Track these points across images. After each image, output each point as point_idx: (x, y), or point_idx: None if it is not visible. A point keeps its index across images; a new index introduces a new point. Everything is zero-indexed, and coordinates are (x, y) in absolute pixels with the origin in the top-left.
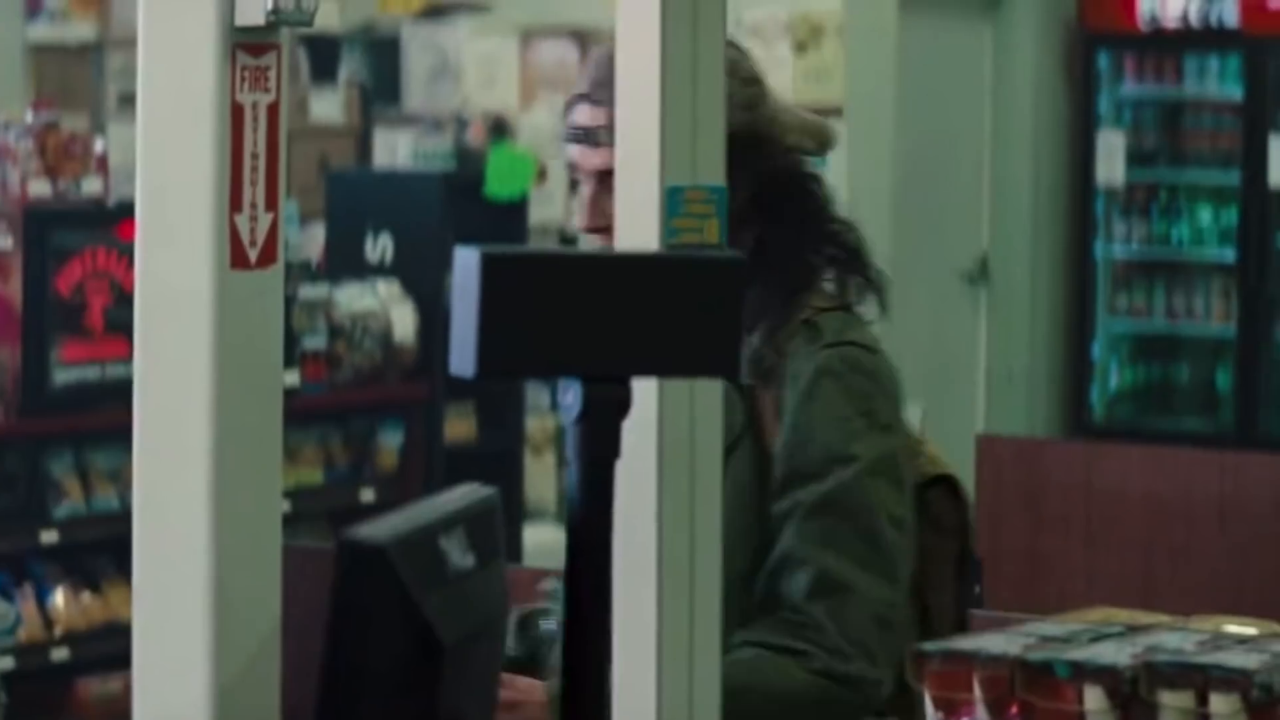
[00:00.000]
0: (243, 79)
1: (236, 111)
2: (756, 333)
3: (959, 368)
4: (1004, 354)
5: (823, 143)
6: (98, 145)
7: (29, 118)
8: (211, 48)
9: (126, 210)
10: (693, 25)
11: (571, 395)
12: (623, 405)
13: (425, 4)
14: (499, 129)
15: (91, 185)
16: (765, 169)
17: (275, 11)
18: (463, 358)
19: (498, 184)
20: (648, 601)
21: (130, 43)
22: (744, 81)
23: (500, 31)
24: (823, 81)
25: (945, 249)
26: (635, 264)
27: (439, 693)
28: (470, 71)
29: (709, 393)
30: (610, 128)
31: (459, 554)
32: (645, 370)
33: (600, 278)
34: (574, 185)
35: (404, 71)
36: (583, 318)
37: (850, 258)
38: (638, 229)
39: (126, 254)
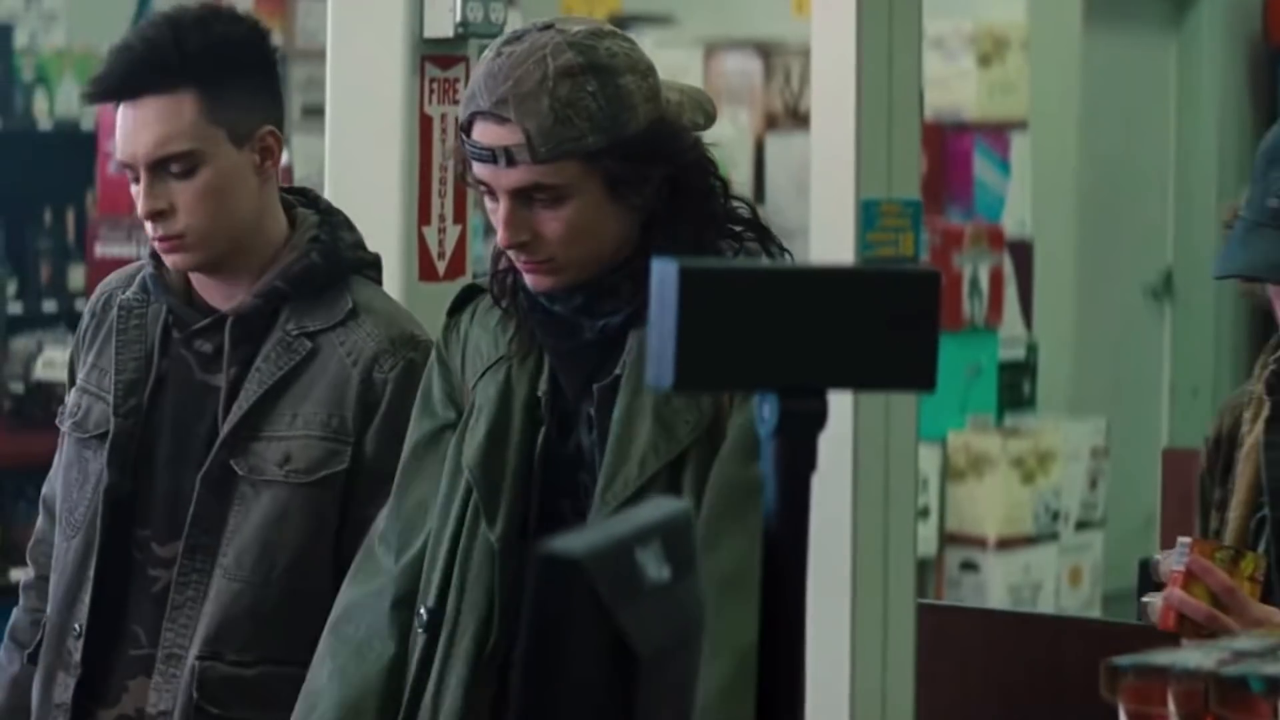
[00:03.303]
0: (431, 91)
1: (425, 124)
2: None
3: (1143, 382)
4: (1188, 368)
5: (710, 113)
6: (282, 156)
7: None
8: (400, 60)
9: None
10: (888, 39)
11: (768, 408)
12: (819, 418)
13: (609, 16)
14: None
15: None
16: (676, 157)
17: (464, 24)
18: (661, 369)
19: None
20: (842, 614)
21: (315, 54)
22: (643, 74)
23: (683, 44)
24: (1007, 95)
25: (1129, 263)
26: (831, 277)
27: (636, 705)
28: None
29: (904, 406)
30: (524, 144)
31: (655, 566)
32: (842, 383)
33: (797, 291)
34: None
35: None
36: (779, 330)
37: (758, 236)
38: (833, 242)
39: None
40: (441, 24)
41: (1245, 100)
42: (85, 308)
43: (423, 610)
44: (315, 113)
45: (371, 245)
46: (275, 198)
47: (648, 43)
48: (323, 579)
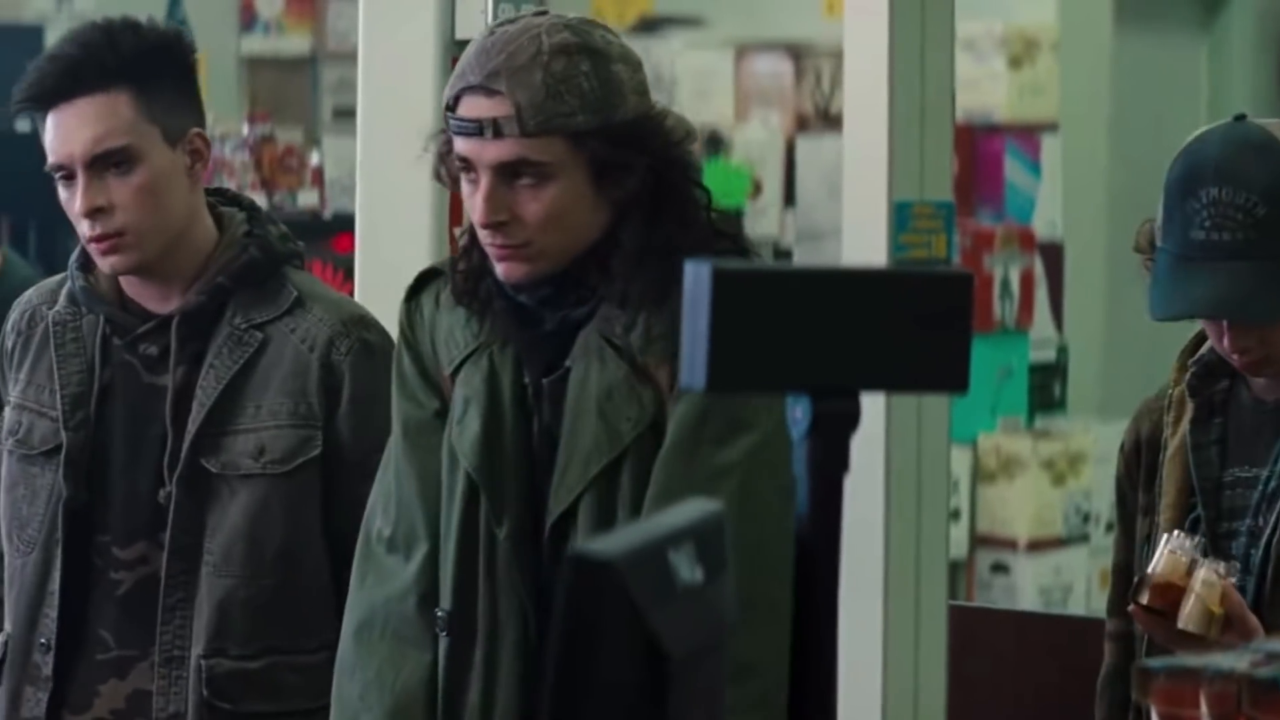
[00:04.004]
0: None
1: None
2: (641, 314)
3: None
4: None
5: (691, 133)
6: (313, 158)
7: (245, 130)
8: (432, 61)
9: (342, 223)
10: (921, 40)
11: (801, 410)
12: (852, 419)
13: (639, 18)
14: (714, 143)
15: (307, 198)
16: (659, 155)
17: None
18: (693, 371)
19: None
20: (875, 615)
21: (345, 56)
22: (634, 68)
23: (714, 45)
24: (1037, 96)
25: None
26: (864, 279)
27: (667, 706)
28: (684, 85)
29: (937, 407)
30: (513, 116)
31: (687, 568)
32: (874, 385)
33: (830, 293)
34: (454, 181)
35: None
36: (812, 332)
37: (737, 249)
38: (866, 244)
39: (342, 267)
40: (473, 25)
41: (1276, 102)
42: (7, 326)
43: (440, 612)
44: (347, 114)
45: (403, 246)
46: (203, 202)
47: (678, 44)
48: (315, 565)
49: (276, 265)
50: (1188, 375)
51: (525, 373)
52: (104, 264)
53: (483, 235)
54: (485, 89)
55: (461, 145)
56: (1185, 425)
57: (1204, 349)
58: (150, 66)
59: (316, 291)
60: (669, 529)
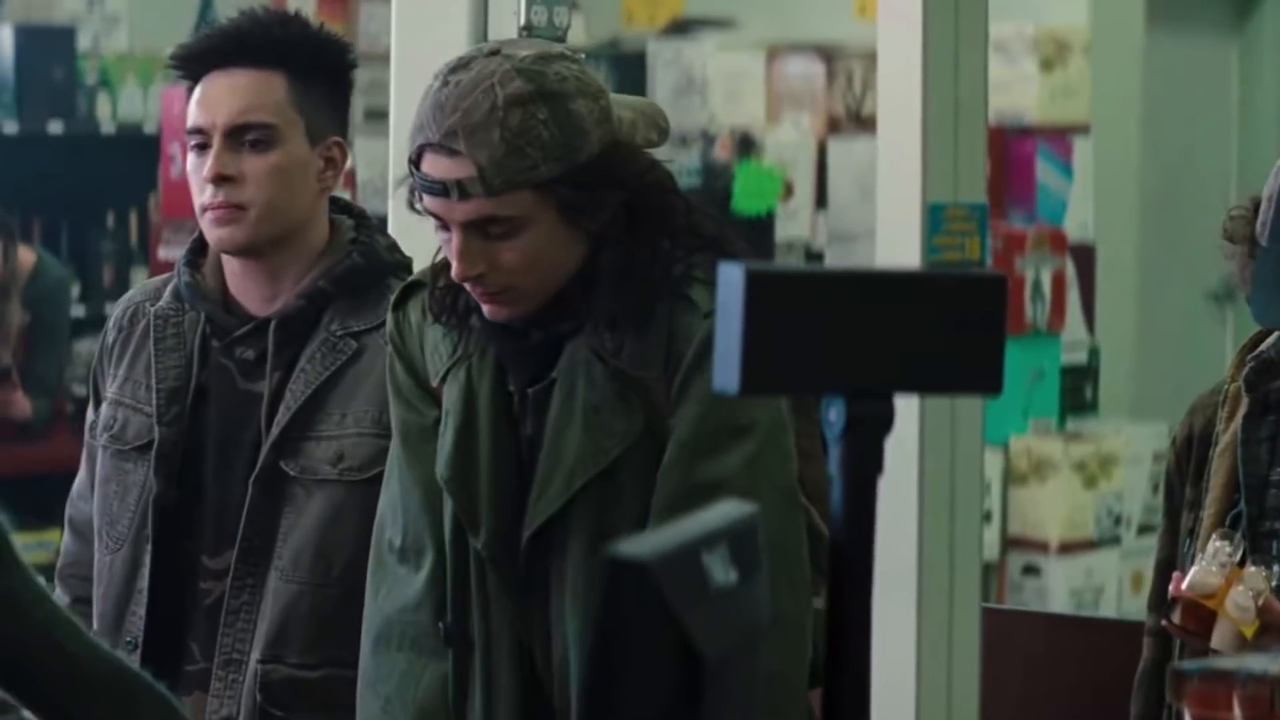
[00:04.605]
0: None
1: None
2: (628, 336)
3: (1205, 386)
4: None
5: (664, 129)
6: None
7: None
8: None
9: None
10: (954, 42)
11: (834, 412)
12: (886, 421)
13: (670, 20)
14: (745, 145)
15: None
16: (631, 181)
17: (528, 27)
18: (726, 373)
19: (745, 200)
20: (908, 616)
21: (377, 58)
22: (594, 97)
23: (745, 47)
24: (1069, 98)
25: (1192, 266)
26: (897, 281)
27: (701, 708)
28: (716, 87)
29: (970, 409)
30: (476, 177)
31: (721, 570)
32: (908, 387)
33: (863, 295)
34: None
35: (650, 87)
36: (845, 334)
37: (718, 252)
38: (899, 246)
39: None
40: (505, 27)
41: None
42: (109, 323)
43: (441, 624)
44: (379, 116)
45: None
46: (325, 210)
47: (709, 46)
48: None
49: (380, 275)
50: (1245, 370)
51: (510, 382)
52: (215, 235)
53: (465, 283)
54: (445, 148)
55: (429, 203)
56: (1238, 421)
57: (1264, 345)
58: (311, 61)
59: None
60: (703, 531)
